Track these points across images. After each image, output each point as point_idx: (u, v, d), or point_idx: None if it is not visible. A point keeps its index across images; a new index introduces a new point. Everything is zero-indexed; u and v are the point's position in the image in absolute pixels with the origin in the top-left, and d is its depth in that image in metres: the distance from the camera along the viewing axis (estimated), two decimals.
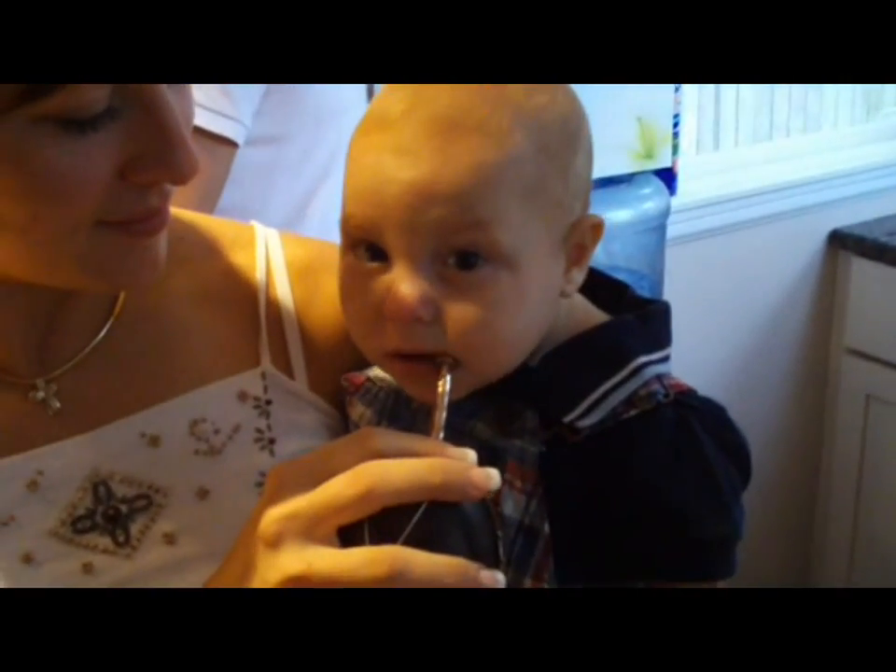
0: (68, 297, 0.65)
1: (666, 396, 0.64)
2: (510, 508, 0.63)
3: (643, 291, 1.99)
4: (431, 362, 0.60)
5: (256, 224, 0.76)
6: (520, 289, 0.60)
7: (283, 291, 0.73)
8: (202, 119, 1.08)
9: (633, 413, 0.63)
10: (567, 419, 0.63)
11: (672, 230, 1.87)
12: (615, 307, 0.69)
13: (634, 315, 0.67)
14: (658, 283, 1.82)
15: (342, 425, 0.72)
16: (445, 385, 0.58)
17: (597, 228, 0.65)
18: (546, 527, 0.62)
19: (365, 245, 0.61)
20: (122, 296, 0.68)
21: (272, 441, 0.69)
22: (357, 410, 0.71)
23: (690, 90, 2.07)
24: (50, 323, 0.65)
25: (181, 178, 0.57)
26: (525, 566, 0.63)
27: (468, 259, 0.59)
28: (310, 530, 0.52)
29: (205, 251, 0.72)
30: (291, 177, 1.25)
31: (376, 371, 0.71)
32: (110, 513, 0.65)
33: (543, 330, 0.64)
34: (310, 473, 0.54)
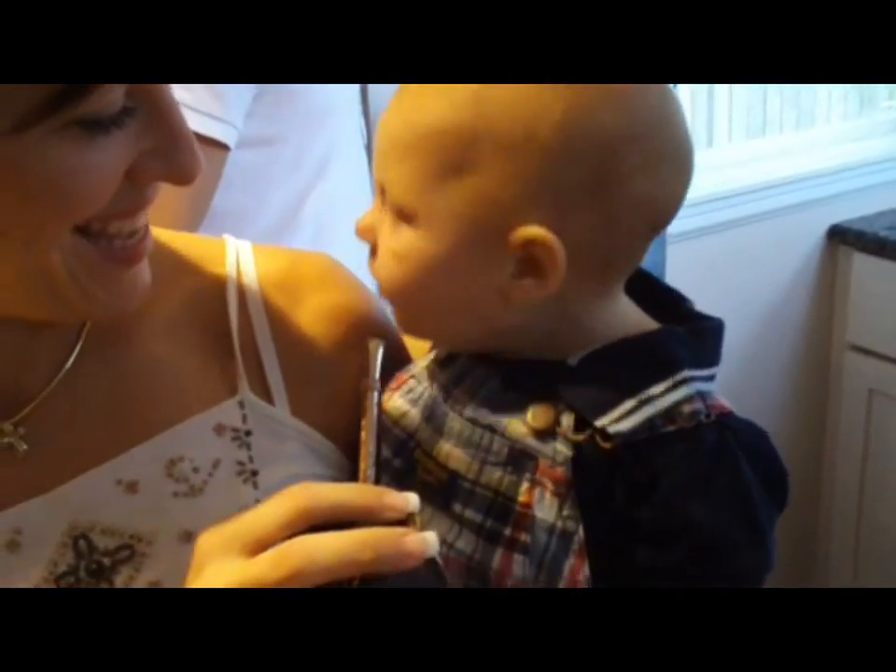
0: (37, 330, 0.61)
1: (708, 416, 0.60)
2: (542, 510, 0.61)
3: None
4: None
5: (227, 237, 0.73)
6: (421, 249, 0.61)
7: (256, 309, 0.69)
8: (192, 123, 1.05)
9: (671, 428, 0.60)
10: (600, 422, 0.60)
11: (671, 227, 1.85)
12: (670, 319, 0.66)
13: (686, 328, 0.64)
14: None
15: (327, 447, 0.69)
16: (372, 415, 0.56)
17: (545, 243, 0.59)
18: (580, 530, 0.60)
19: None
20: (88, 324, 0.64)
21: (254, 473, 0.65)
22: (398, 406, 0.68)
23: (683, 86, 2.05)
24: (18, 361, 0.62)
25: (187, 177, 0.56)
26: (559, 569, 0.60)
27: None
28: None
29: (174, 271, 0.68)
30: (284, 179, 1.23)
31: (419, 369, 0.70)
32: (93, 568, 0.62)
33: (476, 322, 0.63)
34: (235, 543, 0.51)
